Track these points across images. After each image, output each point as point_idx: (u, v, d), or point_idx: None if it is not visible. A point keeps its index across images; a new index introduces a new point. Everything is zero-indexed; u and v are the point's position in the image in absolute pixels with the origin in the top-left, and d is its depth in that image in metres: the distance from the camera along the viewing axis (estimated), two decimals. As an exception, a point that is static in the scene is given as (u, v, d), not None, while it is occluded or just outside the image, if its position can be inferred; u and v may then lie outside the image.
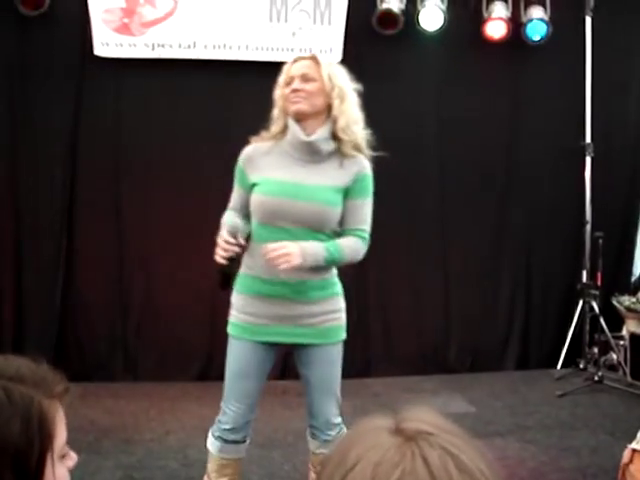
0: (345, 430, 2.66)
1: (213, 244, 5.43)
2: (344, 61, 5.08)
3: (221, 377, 5.23)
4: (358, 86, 2.65)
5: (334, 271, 2.67)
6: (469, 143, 5.45)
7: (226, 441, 2.64)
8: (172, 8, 5.00)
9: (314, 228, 2.54)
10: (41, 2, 4.78)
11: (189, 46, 5.04)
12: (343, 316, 2.67)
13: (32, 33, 4.93)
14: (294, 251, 2.41)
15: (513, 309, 5.62)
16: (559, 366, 5.41)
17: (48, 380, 1.01)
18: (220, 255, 2.51)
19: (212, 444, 2.68)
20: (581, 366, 5.29)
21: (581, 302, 5.38)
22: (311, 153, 2.57)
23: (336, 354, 2.66)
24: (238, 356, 2.62)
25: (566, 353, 5.39)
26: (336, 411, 2.68)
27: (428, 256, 5.49)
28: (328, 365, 2.64)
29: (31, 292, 5.06)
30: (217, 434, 2.66)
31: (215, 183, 5.16)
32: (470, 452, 0.74)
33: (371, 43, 5.25)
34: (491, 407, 4.65)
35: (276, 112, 2.65)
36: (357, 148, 2.62)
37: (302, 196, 2.52)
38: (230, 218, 2.61)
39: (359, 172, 2.60)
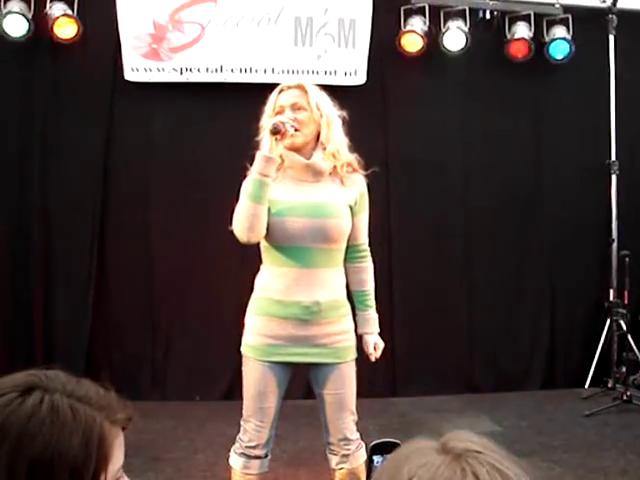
0: (363, 445, 2.69)
1: (239, 265, 5.53)
2: (369, 82, 5.19)
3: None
4: (342, 112, 2.74)
5: (344, 292, 2.75)
6: (493, 162, 5.48)
7: (249, 457, 2.69)
8: (199, 33, 5.12)
9: (331, 244, 2.63)
10: (75, 29, 4.92)
11: (216, 70, 5.15)
12: (354, 336, 2.76)
13: (65, 59, 5.08)
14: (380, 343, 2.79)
15: (539, 328, 5.60)
16: (587, 385, 5.37)
17: (113, 406, 1.07)
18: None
19: (235, 461, 2.73)
20: (609, 385, 5.23)
21: (609, 320, 5.34)
22: (314, 174, 2.66)
23: (350, 372, 2.73)
24: (256, 377, 2.67)
25: (594, 372, 5.35)
26: (353, 427, 2.72)
27: (453, 274, 5.50)
28: (342, 383, 2.70)
29: (62, 311, 5.17)
30: (240, 451, 2.71)
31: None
32: (515, 469, 0.78)
33: (395, 64, 5.31)
34: (517, 427, 4.63)
35: (261, 142, 2.70)
36: (352, 167, 2.72)
37: (319, 213, 2.61)
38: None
39: (360, 190, 2.73)
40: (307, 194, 2.62)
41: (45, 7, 4.91)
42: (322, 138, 2.65)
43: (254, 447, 2.68)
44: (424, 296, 5.47)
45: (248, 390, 2.70)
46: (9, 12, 4.77)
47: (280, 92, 2.69)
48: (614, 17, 5.44)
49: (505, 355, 5.52)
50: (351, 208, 2.68)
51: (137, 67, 5.09)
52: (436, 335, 5.48)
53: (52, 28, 4.89)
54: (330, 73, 5.18)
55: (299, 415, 4.55)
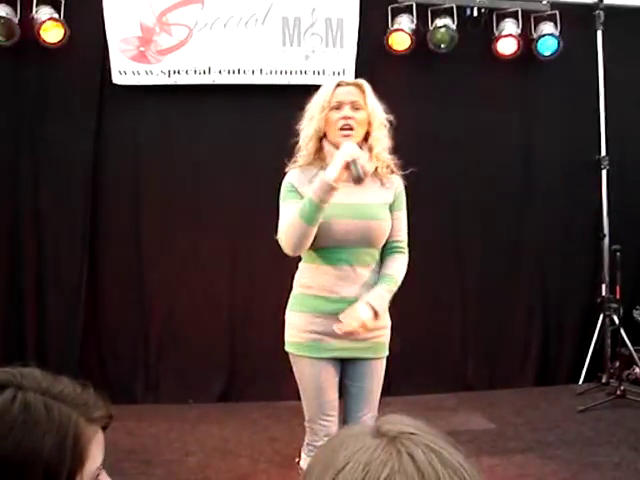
0: None
1: (232, 270, 5.49)
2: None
3: (241, 399, 5.29)
4: (389, 116, 2.74)
5: None
6: (482, 160, 5.48)
7: None
8: (187, 35, 5.11)
9: (372, 245, 2.68)
10: (61, 33, 4.89)
11: (204, 72, 5.13)
12: (389, 332, 2.79)
13: (53, 63, 5.05)
14: (366, 317, 2.57)
15: (532, 324, 5.60)
16: (581, 381, 5.38)
17: (89, 404, 1.04)
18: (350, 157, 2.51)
19: None
20: (603, 380, 5.25)
21: (601, 316, 5.35)
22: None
23: (381, 369, 2.77)
24: (313, 374, 2.67)
25: (588, 368, 5.36)
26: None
27: (445, 273, 5.50)
28: (372, 379, 2.73)
29: (54, 316, 5.14)
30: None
31: (233, 206, 5.25)
32: (449, 448, 0.79)
33: (383, 63, 5.30)
34: (511, 424, 4.63)
35: (309, 132, 2.69)
36: (390, 169, 2.76)
37: (363, 215, 2.64)
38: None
39: (398, 190, 2.77)
40: (351, 196, 2.62)
41: (31, 11, 4.88)
42: (371, 140, 2.68)
43: None
44: (417, 295, 5.46)
45: (307, 389, 2.69)
46: (-5, 16, 4.74)
47: (337, 86, 2.68)
48: (601, 13, 5.48)
49: (499, 352, 5.52)
50: (390, 207, 2.72)
51: (125, 70, 5.07)
52: (430, 333, 5.48)
53: (39, 32, 4.86)
54: (318, 73, 5.17)
55: (292, 416, 4.53)
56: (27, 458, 0.95)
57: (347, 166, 2.49)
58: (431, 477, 0.74)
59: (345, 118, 2.63)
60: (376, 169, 2.71)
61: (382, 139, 2.71)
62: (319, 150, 2.69)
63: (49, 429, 0.97)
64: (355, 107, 2.65)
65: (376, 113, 2.68)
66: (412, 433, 0.78)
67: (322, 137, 2.69)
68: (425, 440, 0.78)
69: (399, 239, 2.77)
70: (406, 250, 2.80)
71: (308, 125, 2.70)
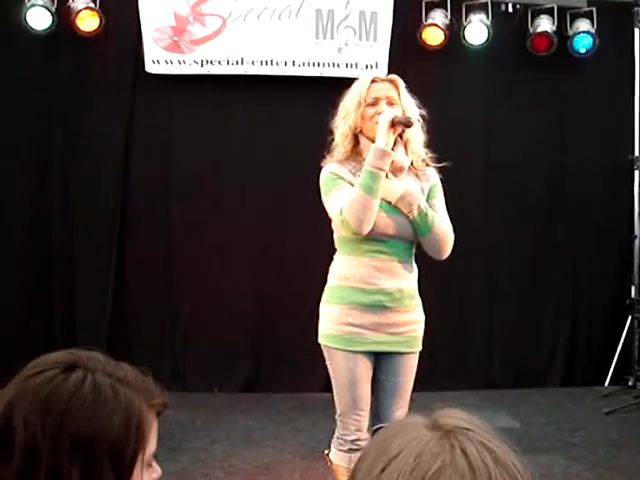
0: None
1: (260, 260, 5.51)
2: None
3: (266, 389, 5.32)
4: (422, 111, 2.76)
5: (417, 284, 2.78)
6: (514, 157, 5.43)
7: (357, 450, 2.66)
8: (220, 26, 5.13)
9: (407, 238, 2.69)
10: (97, 22, 4.95)
11: (237, 62, 5.15)
12: (423, 327, 2.79)
13: (87, 52, 5.12)
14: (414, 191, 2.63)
15: (559, 324, 5.55)
16: (607, 383, 5.32)
17: (150, 390, 1.08)
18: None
19: (341, 458, 2.71)
20: (630, 383, 5.19)
21: (630, 318, 5.29)
22: (393, 170, 2.66)
23: (414, 364, 2.77)
24: (348, 367, 2.67)
25: (614, 370, 5.30)
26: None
27: (473, 271, 5.47)
28: (405, 373, 2.73)
29: (82, 303, 5.21)
30: (346, 447, 2.69)
31: (262, 196, 5.27)
32: (503, 447, 0.79)
33: (416, 58, 5.28)
34: (536, 423, 4.60)
35: (345, 129, 2.71)
36: (425, 162, 2.78)
37: (399, 210, 2.64)
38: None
39: (433, 182, 2.78)
40: (389, 190, 2.63)
41: (68, 0, 4.94)
42: (407, 135, 2.69)
43: (359, 439, 2.67)
44: (444, 291, 5.44)
45: (340, 383, 2.69)
46: (33, 5, 4.81)
47: (372, 82, 2.70)
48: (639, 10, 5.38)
49: (525, 351, 5.48)
50: (426, 199, 2.72)
51: (158, 59, 5.11)
52: (456, 330, 5.46)
53: (75, 21, 4.91)
54: (351, 66, 5.16)
55: (317, 408, 4.56)
56: (96, 435, 0.99)
57: (392, 125, 2.55)
58: (483, 474, 0.74)
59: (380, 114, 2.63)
60: (412, 163, 2.72)
61: (417, 133, 2.72)
62: (355, 146, 2.70)
63: (116, 410, 1.01)
64: (390, 102, 2.66)
65: (410, 108, 2.70)
66: (467, 429, 0.79)
67: (358, 133, 2.70)
68: (480, 437, 0.78)
69: (441, 215, 2.75)
70: (450, 225, 2.76)
71: (343, 122, 2.70)
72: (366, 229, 2.57)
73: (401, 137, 2.68)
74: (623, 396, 5.01)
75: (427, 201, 2.71)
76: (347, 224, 2.57)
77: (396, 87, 2.69)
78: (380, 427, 1.13)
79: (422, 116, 2.75)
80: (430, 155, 2.79)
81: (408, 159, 2.70)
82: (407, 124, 2.57)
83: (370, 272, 2.64)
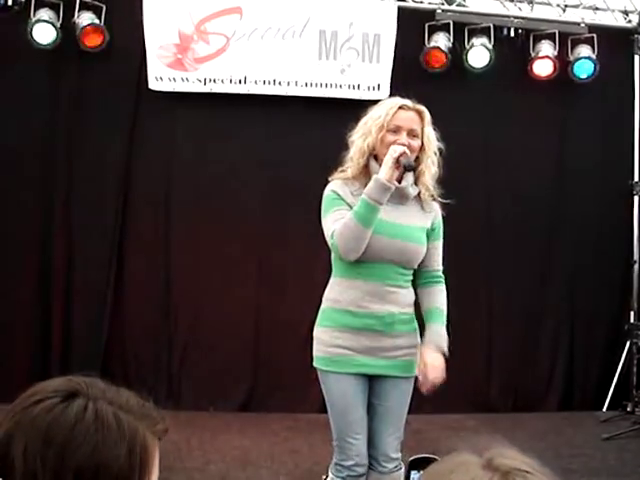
0: (403, 467, 2.65)
1: (258, 281, 5.48)
2: (392, 97, 5.18)
3: (262, 409, 5.27)
4: (440, 144, 2.73)
5: (413, 309, 2.74)
6: (516, 181, 5.45)
7: (357, 476, 2.63)
8: (224, 44, 5.15)
9: (406, 265, 2.66)
10: (101, 39, 4.97)
11: (240, 81, 5.17)
12: (418, 352, 2.73)
13: (91, 68, 5.12)
14: (442, 365, 2.69)
15: (557, 349, 5.53)
16: (605, 408, 5.29)
17: (152, 416, 1.04)
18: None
19: None
20: (628, 409, 5.17)
21: (628, 343, 5.27)
22: (399, 196, 2.65)
23: (408, 389, 2.72)
24: (342, 389, 2.64)
25: (612, 395, 5.28)
26: (397, 446, 2.70)
27: (471, 294, 5.44)
28: (399, 398, 2.69)
29: (79, 321, 5.17)
30: (345, 473, 2.64)
31: (262, 215, 5.27)
32: None
33: (418, 80, 5.29)
34: (534, 449, 4.49)
35: (362, 147, 2.67)
36: (432, 195, 2.75)
37: (400, 235, 2.63)
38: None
39: (437, 217, 2.77)
40: (390, 214, 2.62)
41: (73, 16, 4.97)
42: (422, 166, 2.67)
43: (356, 464, 2.62)
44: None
45: (335, 405, 2.66)
46: (38, 20, 4.83)
47: (399, 109, 2.66)
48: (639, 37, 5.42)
49: (522, 376, 5.46)
50: (428, 234, 2.72)
51: (161, 76, 5.12)
52: (453, 353, 5.41)
53: (80, 37, 4.94)
54: (353, 87, 5.18)
55: (314, 429, 4.53)
56: (100, 467, 0.95)
57: (397, 161, 2.53)
58: None
59: (401, 145, 2.60)
60: (419, 193, 2.70)
61: (431, 167, 2.70)
62: (366, 166, 2.67)
63: (120, 439, 0.97)
64: (412, 135, 2.63)
65: (431, 141, 2.68)
66: (526, 471, 0.78)
67: (372, 154, 2.67)
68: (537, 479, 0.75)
69: (439, 269, 2.78)
70: (444, 280, 2.81)
71: (362, 139, 2.67)
72: (353, 257, 2.56)
73: (415, 170, 2.66)
74: (621, 422, 4.98)
75: (429, 238, 2.71)
76: (336, 248, 2.58)
77: (422, 119, 2.66)
78: (418, 458, 1.09)
79: (440, 150, 2.72)
80: (437, 191, 2.76)
81: (416, 189, 2.69)
82: (408, 168, 2.55)
83: (360, 295, 2.61)
